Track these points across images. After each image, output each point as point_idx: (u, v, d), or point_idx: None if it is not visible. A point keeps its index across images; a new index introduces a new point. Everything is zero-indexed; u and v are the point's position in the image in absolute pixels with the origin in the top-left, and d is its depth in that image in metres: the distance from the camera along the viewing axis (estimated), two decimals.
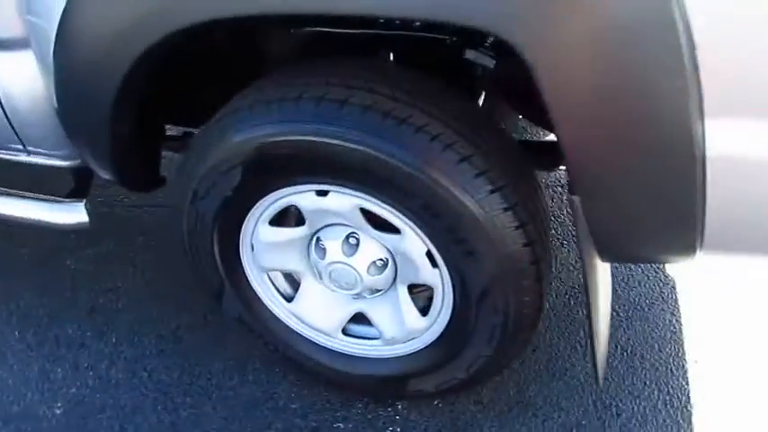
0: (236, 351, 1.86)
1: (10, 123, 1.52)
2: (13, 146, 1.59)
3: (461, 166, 1.21)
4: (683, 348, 1.83)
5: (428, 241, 1.32)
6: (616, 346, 1.82)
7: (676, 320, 1.91)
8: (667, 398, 1.70)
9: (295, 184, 1.35)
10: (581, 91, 0.99)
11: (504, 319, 1.35)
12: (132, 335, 1.94)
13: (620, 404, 1.68)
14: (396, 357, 1.55)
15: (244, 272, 1.56)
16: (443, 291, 1.40)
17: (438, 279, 1.39)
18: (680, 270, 2.04)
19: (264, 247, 1.49)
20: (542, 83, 0.99)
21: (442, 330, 1.46)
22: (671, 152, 1.01)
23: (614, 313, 1.93)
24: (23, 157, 1.64)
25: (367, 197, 1.31)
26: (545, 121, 1.72)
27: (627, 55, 0.95)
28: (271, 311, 1.61)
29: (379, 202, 1.30)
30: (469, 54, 1.41)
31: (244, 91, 1.35)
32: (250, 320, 1.62)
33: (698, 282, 2.00)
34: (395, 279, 1.47)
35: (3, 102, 1.49)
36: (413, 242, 1.35)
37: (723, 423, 1.62)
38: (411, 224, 1.31)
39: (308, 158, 1.27)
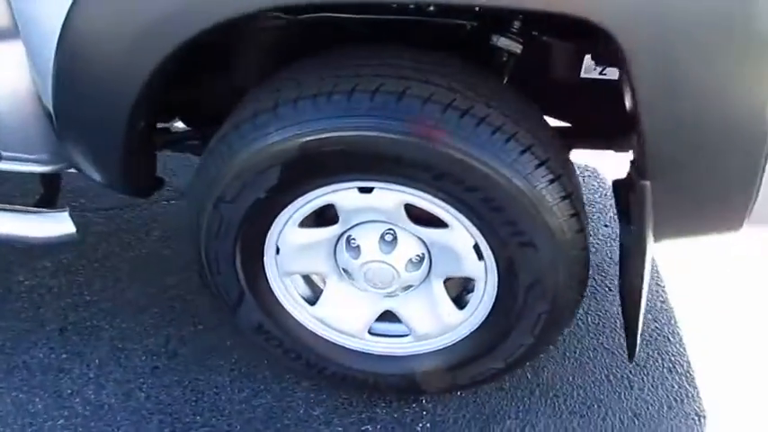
0: (239, 360, 1.75)
1: None
2: None
3: (523, 157, 1.18)
4: (674, 316, 1.93)
5: (478, 234, 1.29)
6: (615, 321, 1.89)
7: (662, 289, 2.01)
8: (670, 365, 1.78)
9: (336, 182, 1.27)
10: (672, 79, 1.00)
11: (550, 306, 1.35)
12: (117, 353, 1.77)
13: (630, 376, 1.75)
14: (428, 353, 1.52)
15: (266, 278, 1.45)
16: (486, 282, 1.38)
17: (482, 271, 1.36)
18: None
19: (292, 250, 1.40)
20: (634, 71, 0.98)
21: (480, 322, 1.44)
22: (746, 134, 1.04)
23: (607, 289, 2.00)
24: None
25: (417, 192, 1.25)
26: (552, 105, 1.74)
27: (719, 44, 0.97)
28: (293, 317, 1.52)
29: (429, 197, 1.26)
30: (497, 39, 1.38)
31: (272, 86, 1.25)
32: (270, 329, 1.52)
33: (674, 248, 2.12)
34: (428, 274, 1.43)
35: None
36: (460, 236, 1.31)
37: (723, 383, 1.73)
38: (462, 218, 1.27)
39: (358, 155, 1.19)
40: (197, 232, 1.37)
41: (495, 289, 1.38)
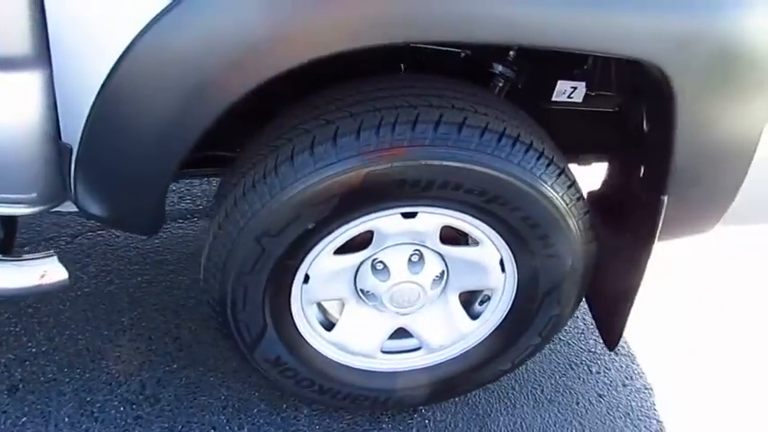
0: (228, 396, 1.67)
1: None
2: None
3: (560, 178, 1.30)
4: None
5: (506, 249, 1.39)
6: None
7: None
8: (616, 348, 2.03)
9: (385, 209, 1.29)
10: (705, 110, 1.18)
11: (560, 309, 1.50)
12: (88, 407, 1.60)
13: (587, 361, 1.97)
14: (440, 363, 1.59)
15: (289, 308, 1.42)
16: (503, 292, 1.49)
17: (502, 283, 1.47)
18: None
19: (323, 278, 1.39)
20: (680, 102, 1.15)
21: (494, 328, 1.54)
22: (744, 149, 1.26)
23: None
24: None
25: (459, 214, 1.32)
26: None
27: (738, 81, 1.17)
28: (310, 345, 1.50)
29: (469, 218, 1.33)
30: (497, 67, 1.49)
31: (320, 117, 1.23)
32: (288, 360, 1.48)
33: None
34: (443, 289, 1.50)
35: None
36: (489, 252, 1.40)
37: (660, 358, 2.01)
38: (494, 235, 1.36)
39: (418, 183, 1.23)
40: (226, 269, 1.30)
41: (512, 297, 1.49)
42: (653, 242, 1.38)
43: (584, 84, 1.52)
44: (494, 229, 1.35)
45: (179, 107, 1.05)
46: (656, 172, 1.30)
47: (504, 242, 1.38)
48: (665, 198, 1.30)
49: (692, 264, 2.36)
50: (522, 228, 1.34)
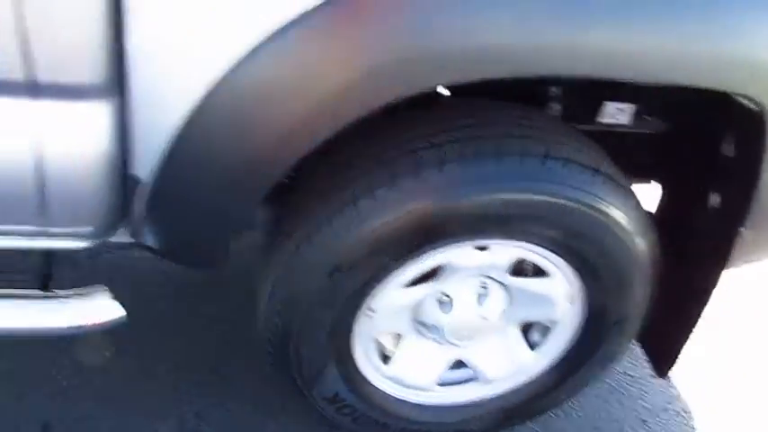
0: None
1: (42, 196, 1.06)
2: (23, 227, 1.11)
3: (637, 211, 1.28)
4: None
5: (577, 281, 1.36)
6: None
7: None
8: (650, 371, 2.00)
9: (460, 242, 1.24)
10: None
11: (623, 339, 1.47)
12: None
13: (625, 385, 1.93)
14: (498, 396, 1.54)
15: (350, 343, 1.36)
16: (568, 324, 1.45)
17: (568, 316, 1.43)
18: None
19: (389, 312, 1.33)
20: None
21: (555, 361, 1.51)
22: None
23: None
24: (23, 243, 1.15)
25: (533, 247, 1.28)
26: None
27: None
28: (368, 380, 1.44)
29: (543, 251, 1.29)
30: (553, 90, 1.46)
31: (401, 147, 1.18)
32: (346, 396, 1.42)
33: None
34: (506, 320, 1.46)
35: (42, 169, 1.03)
36: (559, 284, 1.37)
37: (698, 379, 1.98)
38: (567, 268, 1.33)
39: (497, 216, 1.18)
40: (294, 305, 1.24)
41: (578, 330, 1.45)
42: (721, 273, 1.36)
43: (632, 106, 1.49)
44: (568, 262, 1.31)
45: (275, 141, 0.99)
46: (735, 203, 1.28)
47: (577, 275, 1.34)
48: (743, 230, 1.28)
49: (730, 284, 2.36)
50: (598, 261, 1.30)
